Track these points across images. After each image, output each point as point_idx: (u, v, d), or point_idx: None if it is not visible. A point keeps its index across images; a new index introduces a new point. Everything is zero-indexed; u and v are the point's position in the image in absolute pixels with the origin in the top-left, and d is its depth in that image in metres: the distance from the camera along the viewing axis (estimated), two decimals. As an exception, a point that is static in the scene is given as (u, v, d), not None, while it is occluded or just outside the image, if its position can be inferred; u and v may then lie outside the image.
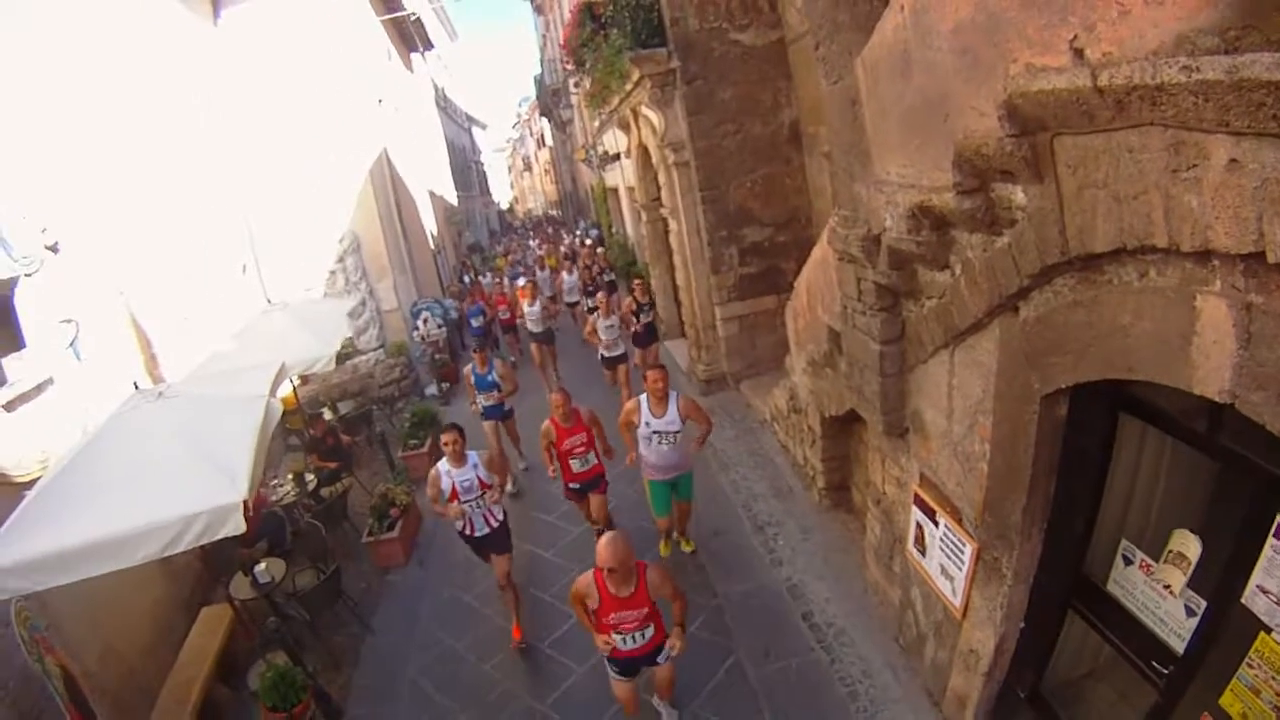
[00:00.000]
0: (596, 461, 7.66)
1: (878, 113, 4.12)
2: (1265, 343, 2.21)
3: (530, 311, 14.22)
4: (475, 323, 16.67)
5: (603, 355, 12.32)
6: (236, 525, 5.35)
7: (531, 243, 37.40)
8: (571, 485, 7.73)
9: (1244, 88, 1.84)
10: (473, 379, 10.16)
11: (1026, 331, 3.48)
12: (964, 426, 4.35)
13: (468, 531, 7.01)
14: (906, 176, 3.88)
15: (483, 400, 10.18)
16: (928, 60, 3.41)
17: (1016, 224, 3.20)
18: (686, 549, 8.05)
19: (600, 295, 12.44)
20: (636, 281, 13.19)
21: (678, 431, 7.00)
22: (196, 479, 5.47)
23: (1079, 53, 2.43)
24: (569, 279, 19.11)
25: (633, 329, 12.59)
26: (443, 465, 6.80)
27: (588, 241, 25.92)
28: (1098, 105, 2.37)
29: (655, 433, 7.01)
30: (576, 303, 18.41)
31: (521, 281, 17.84)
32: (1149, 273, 2.64)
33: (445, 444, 6.72)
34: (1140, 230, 2.47)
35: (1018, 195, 3.12)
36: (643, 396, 7.09)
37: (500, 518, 7.14)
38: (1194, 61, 1.96)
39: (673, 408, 6.95)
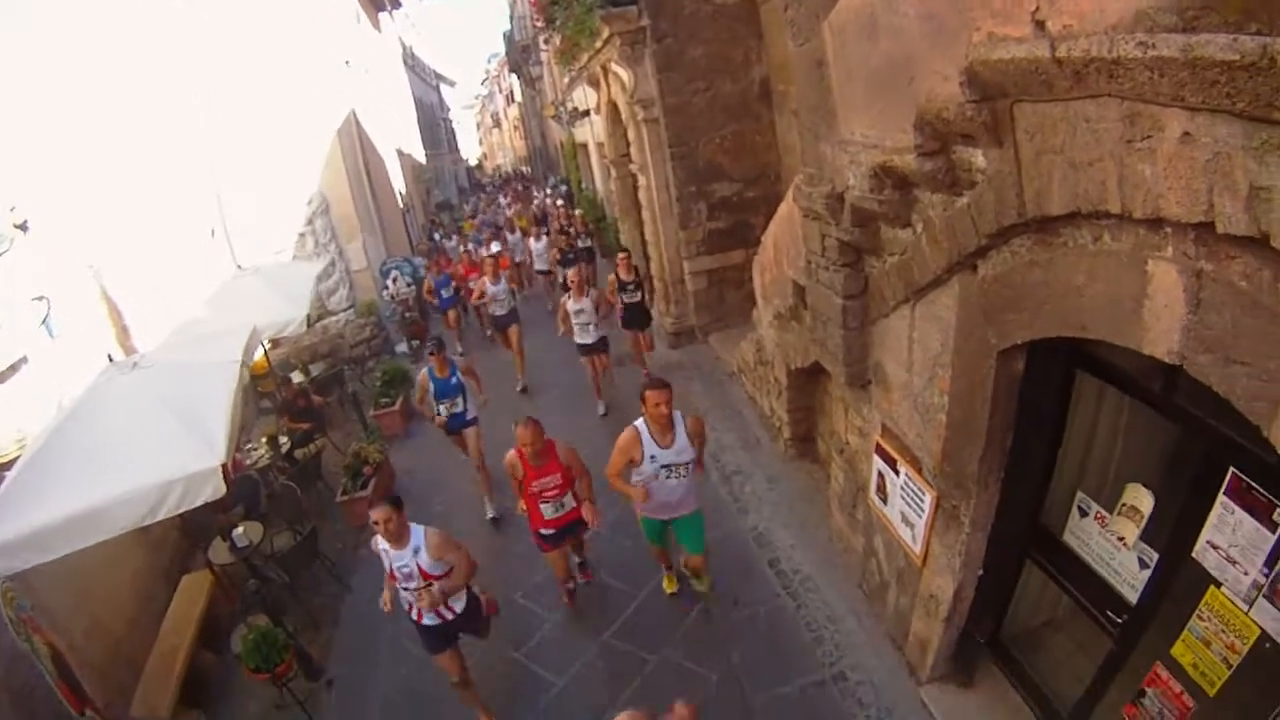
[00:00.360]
0: (575, 506, 6.18)
1: (844, 74, 4.16)
2: (1214, 308, 2.31)
3: (494, 290, 12.47)
4: (445, 293, 15.32)
5: (577, 343, 10.72)
6: (216, 489, 5.38)
7: (501, 199, 35.43)
8: (543, 532, 6.33)
9: (1198, 66, 1.91)
10: (430, 386, 8.43)
11: (985, 289, 3.58)
12: (924, 379, 4.48)
13: (414, 618, 5.49)
14: (870, 137, 3.94)
15: (444, 410, 8.50)
16: (894, 25, 3.46)
17: (976, 186, 3.28)
18: (700, 587, 6.57)
19: (573, 272, 10.97)
20: (621, 256, 11.27)
21: (690, 462, 5.78)
22: (174, 446, 5.46)
23: (1040, 24, 2.49)
24: (537, 245, 17.20)
25: (617, 311, 11.14)
26: (380, 540, 5.22)
27: (560, 202, 24.75)
28: (1056, 75, 2.45)
29: (665, 467, 5.68)
30: (548, 271, 16.76)
31: (496, 248, 17.09)
32: (1103, 236, 2.73)
33: (375, 522, 5.06)
34: (1095, 196, 2.56)
35: (978, 158, 3.20)
36: (641, 424, 5.66)
37: (459, 609, 5.53)
38: (1150, 38, 2.03)
39: (680, 432, 5.67)
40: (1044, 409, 3.89)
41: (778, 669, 5.81)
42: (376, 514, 5.07)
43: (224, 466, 5.45)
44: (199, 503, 5.42)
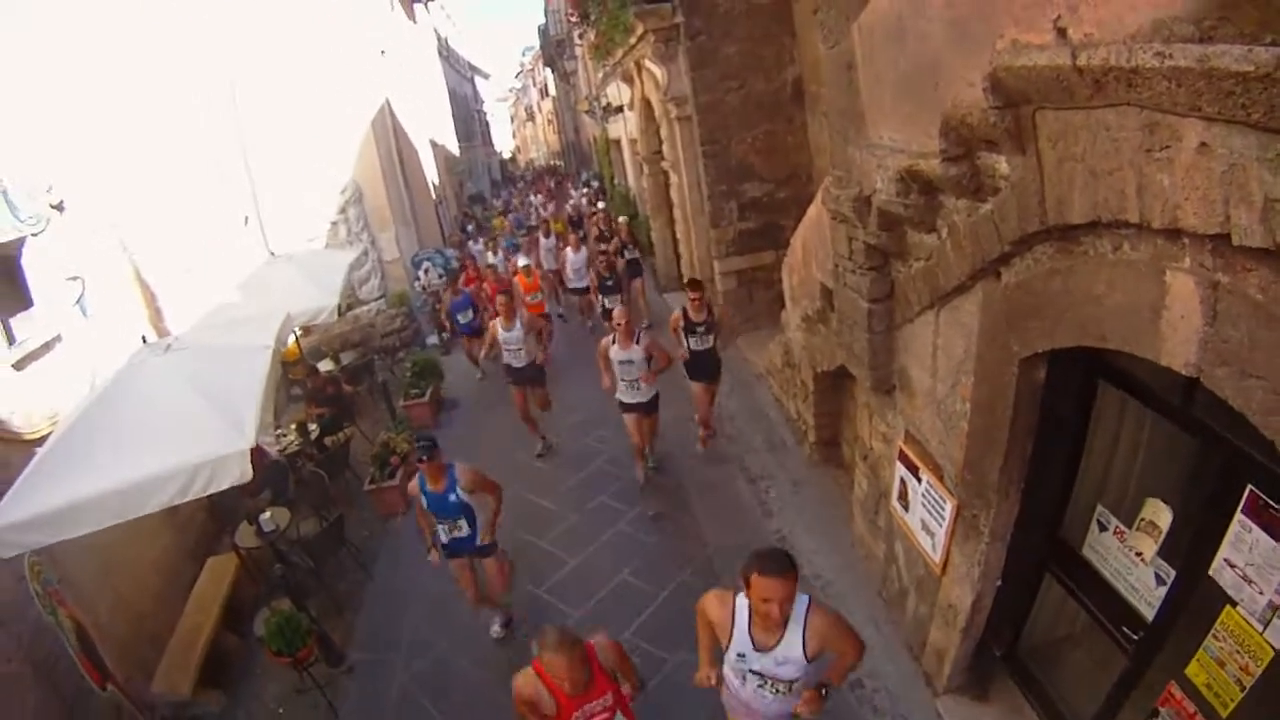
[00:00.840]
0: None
1: (872, 78, 4.16)
2: (1230, 320, 2.28)
3: (506, 336, 9.60)
4: (462, 318, 13.35)
5: (620, 400, 8.44)
6: (244, 473, 5.44)
7: (533, 198, 31.49)
8: None
9: (1214, 76, 1.90)
10: (424, 501, 6.18)
11: (1007, 296, 3.55)
12: (947, 385, 4.45)
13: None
14: (897, 141, 3.94)
15: (444, 532, 6.28)
16: (920, 29, 3.46)
17: (1000, 192, 3.27)
18: None
19: (619, 312, 8.20)
20: (693, 295, 8.47)
21: (797, 679, 3.66)
22: (204, 428, 5.54)
23: (1062, 32, 2.49)
24: (574, 257, 14.57)
25: (679, 358, 8.70)
26: None
27: (600, 204, 21.77)
28: (1077, 83, 2.43)
29: (756, 673, 3.76)
30: (585, 289, 14.25)
31: (523, 261, 14.60)
32: (1123, 246, 2.70)
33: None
34: (1114, 205, 2.54)
35: (1001, 164, 3.19)
36: (741, 602, 3.72)
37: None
38: (1167, 48, 2.02)
39: (795, 631, 3.59)
40: (1065, 419, 3.85)
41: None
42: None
43: (253, 450, 5.53)
44: (226, 485, 5.49)
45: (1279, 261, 2.03)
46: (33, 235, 7.57)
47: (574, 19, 15.85)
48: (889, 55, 3.87)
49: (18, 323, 7.17)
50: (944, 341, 4.40)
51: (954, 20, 3.13)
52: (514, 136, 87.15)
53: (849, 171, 4.68)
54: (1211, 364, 2.39)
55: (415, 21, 26.74)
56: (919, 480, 5.04)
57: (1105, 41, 2.30)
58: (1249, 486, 2.79)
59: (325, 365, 13.03)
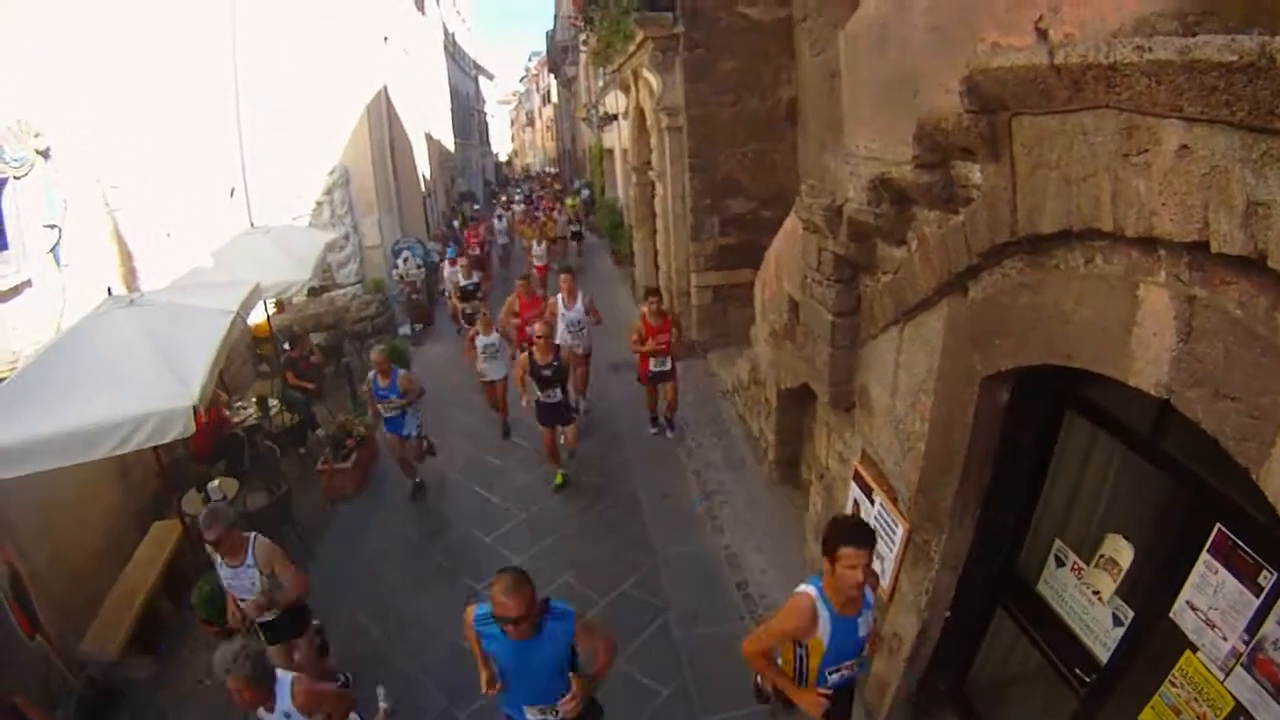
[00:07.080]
0: None
1: (854, 86, 4.10)
2: (1206, 337, 2.19)
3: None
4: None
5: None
6: (186, 428, 5.47)
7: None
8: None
9: (1195, 69, 1.82)
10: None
11: (973, 312, 3.47)
12: (906, 404, 4.37)
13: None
14: (873, 150, 3.86)
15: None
16: (903, 36, 3.40)
17: (971, 202, 3.19)
18: None
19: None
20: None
21: None
22: (153, 381, 5.56)
23: (1043, 33, 2.42)
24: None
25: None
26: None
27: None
28: (1055, 85, 2.36)
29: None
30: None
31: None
32: (1095, 259, 2.63)
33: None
34: (1087, 213, 2.46)
35: (975, 174, 3.12)
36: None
37: None
38: (1147, 41, 1.94)
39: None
40: (1027, 446, 3.77)
41: (729, 692, 5.60)
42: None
43: (195, 408, 5.53)
44: (169, 439, 5.55)
45: (1260, 274, 1.95)
46: (15, 178, 7.40)
47: (578, 23, 15.86)
48: (872, 63, 3.80)
49: (-11, 263, 7.02)
50: (906, 359, 4.32)
51: (936, 26, 3.06)
52: (512, 140, 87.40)
53: (823, 180, 4.62)
54: (1184, 384, 2.29)
55: (424, 14, 26.69)
56: (872, 502, 4.95)
57: (1086, 41, 2.22)
58: (1217, 525, 2.70)
59: (315, 338, 12.93)
